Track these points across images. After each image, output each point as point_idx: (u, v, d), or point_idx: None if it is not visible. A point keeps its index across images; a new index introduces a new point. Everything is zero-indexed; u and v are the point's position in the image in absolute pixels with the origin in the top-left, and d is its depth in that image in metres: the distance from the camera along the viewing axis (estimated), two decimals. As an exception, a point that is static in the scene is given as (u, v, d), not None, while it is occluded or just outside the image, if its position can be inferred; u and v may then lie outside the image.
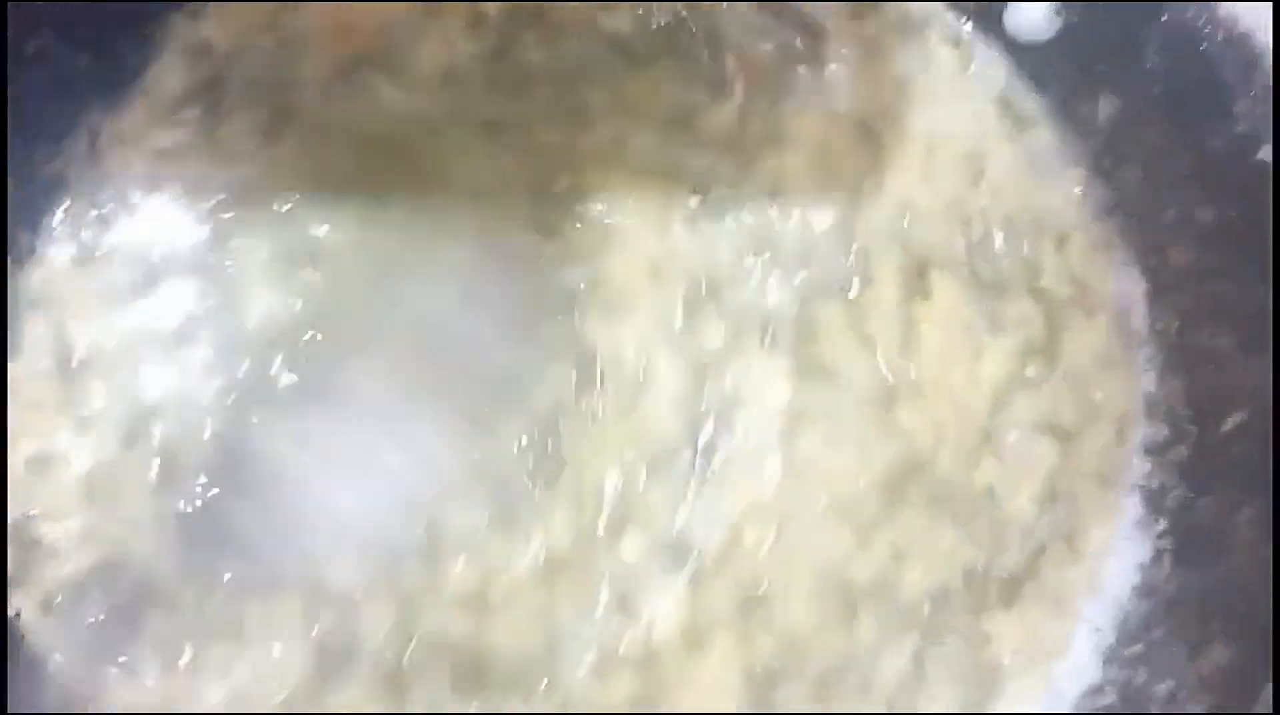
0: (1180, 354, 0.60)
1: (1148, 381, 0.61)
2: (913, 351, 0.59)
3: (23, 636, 0.54)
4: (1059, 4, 0.60)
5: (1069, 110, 0.61)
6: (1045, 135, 0.62)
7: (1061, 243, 0.61)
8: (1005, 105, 0.61)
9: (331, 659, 0.53)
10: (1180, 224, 0.59)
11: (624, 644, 0.54)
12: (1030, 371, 0.60)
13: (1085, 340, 0.60)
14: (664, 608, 0.54)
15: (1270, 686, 0.51)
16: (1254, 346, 0.56)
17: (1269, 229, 0.54)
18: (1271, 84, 0.52)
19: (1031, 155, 0.62)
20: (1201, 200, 0.58)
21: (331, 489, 0.54)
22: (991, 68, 0.62)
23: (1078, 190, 0.62)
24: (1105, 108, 0.60)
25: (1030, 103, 0.62)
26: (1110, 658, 0.59)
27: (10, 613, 0.54)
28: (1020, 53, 0.62)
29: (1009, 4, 0.61)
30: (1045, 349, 0.60)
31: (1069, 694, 0.58)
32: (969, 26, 0.63)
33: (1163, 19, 0.56)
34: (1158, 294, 0.61)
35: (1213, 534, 0.57)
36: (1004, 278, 0.60)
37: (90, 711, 0.54)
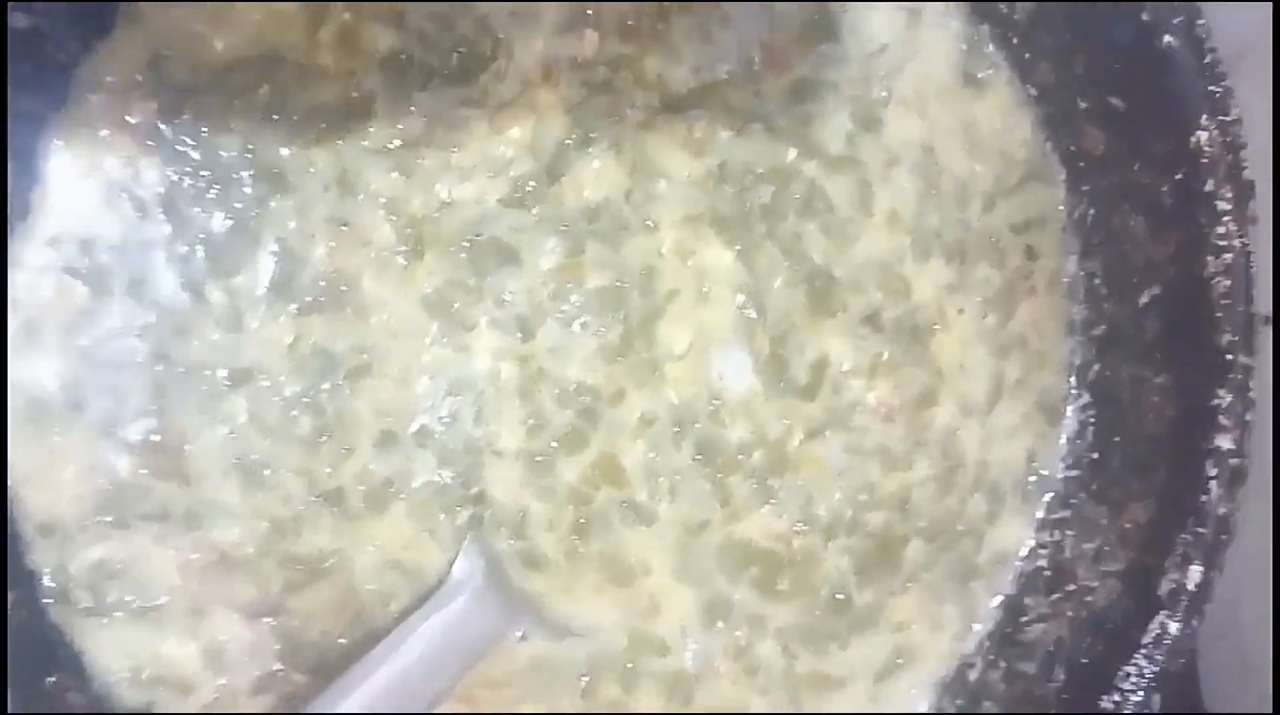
0: (1097, 236, 0.63)
1: (1069, 264, 0.64)
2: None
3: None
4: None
5: (987, 11, 0.63)
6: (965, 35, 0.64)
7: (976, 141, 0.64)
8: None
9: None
10: (1093, 113, 0.62)
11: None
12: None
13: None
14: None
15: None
16: (1163, 225, 0.60)
17: (1169, 114, 0.57)
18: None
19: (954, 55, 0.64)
20: (1111, 89, 0.60)
21: None
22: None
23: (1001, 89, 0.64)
24: (1023, 8, 0.62)
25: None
26: (1041, 525, 0.64)
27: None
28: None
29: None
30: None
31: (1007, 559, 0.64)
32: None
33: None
34: (1075, 181, 0.64)
35: (1130, 403, 0.61)
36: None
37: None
